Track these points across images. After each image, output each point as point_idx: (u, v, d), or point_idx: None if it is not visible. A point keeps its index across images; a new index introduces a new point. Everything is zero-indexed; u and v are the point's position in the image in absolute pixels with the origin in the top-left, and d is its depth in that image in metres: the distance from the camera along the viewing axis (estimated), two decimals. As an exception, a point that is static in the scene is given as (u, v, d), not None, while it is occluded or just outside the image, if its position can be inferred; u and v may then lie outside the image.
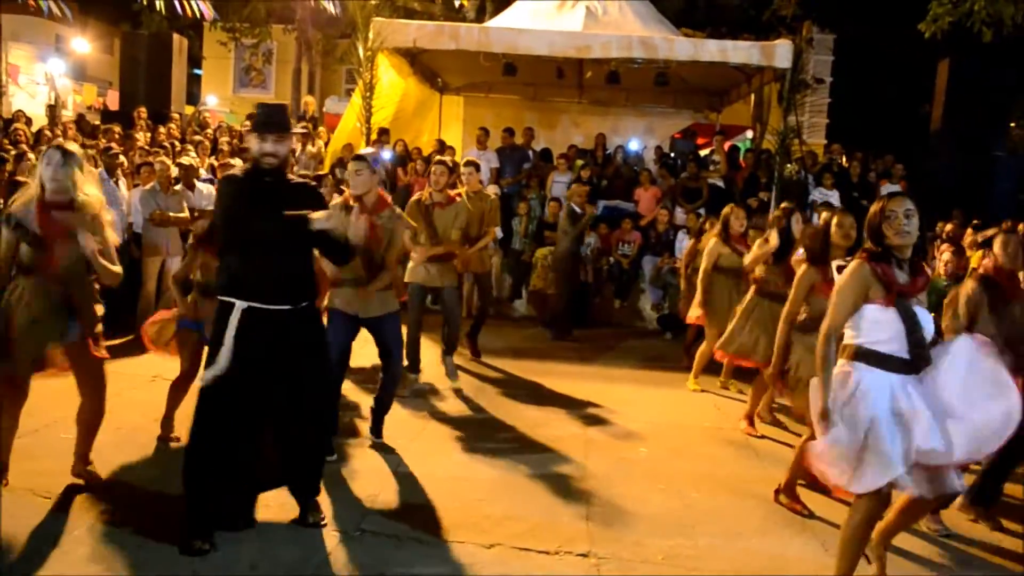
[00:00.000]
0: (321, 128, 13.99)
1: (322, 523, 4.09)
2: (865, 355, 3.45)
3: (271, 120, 3.90)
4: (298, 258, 3.91)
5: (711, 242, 7.20)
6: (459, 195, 6.92)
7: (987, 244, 4.64)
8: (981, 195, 11.05)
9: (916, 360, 3.39)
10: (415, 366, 6.81)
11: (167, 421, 5.14)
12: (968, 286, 4.59)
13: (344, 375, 5.39)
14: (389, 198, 5.35)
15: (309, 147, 12.13)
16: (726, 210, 7.20)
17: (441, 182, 6.67)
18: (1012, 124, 23.06)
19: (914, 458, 3.32)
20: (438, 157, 7.46)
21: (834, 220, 4.95)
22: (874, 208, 3.49)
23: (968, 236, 6.86)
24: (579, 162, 11.94)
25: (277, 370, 3.85)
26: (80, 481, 4.34)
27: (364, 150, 5.91)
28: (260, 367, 3.80)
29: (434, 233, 6.67)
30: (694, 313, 7.27)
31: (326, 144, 12.41)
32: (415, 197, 6.89)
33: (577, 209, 9.23)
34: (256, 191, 3.82)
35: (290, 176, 4.13)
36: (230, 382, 3.74)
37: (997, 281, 4.56)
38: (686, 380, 7.45)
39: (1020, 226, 7.43)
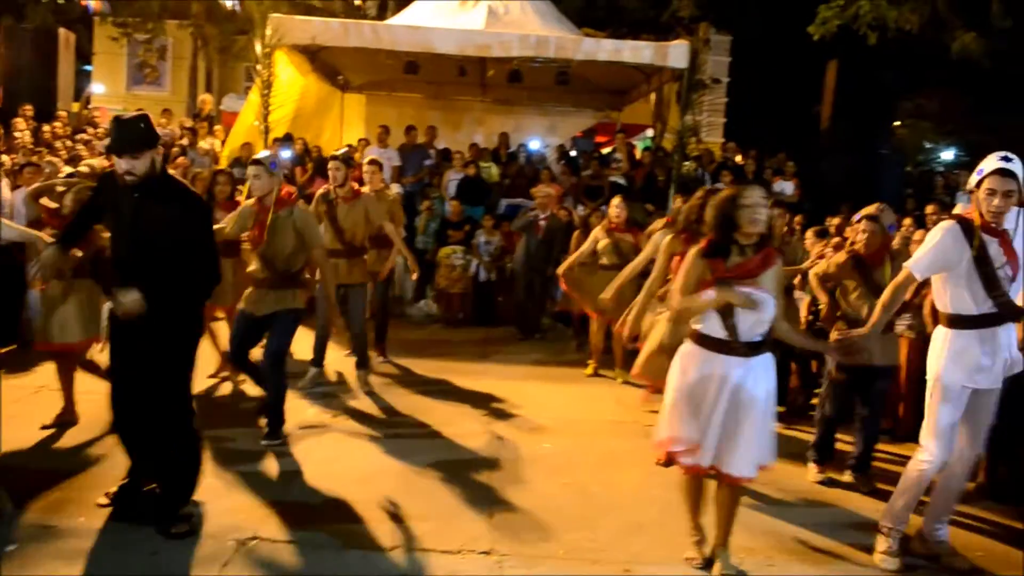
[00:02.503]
0: (218, 127, 13.64)
1: (184, 533, 3.93)
2: (695, 336, 3.72)
3: (122, 138, 3.78)
4: (160, 265, 3.85)
5: (595, 229, 7.55)
6: (362, 191, 6.86)
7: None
8: (868, 191, 11.47)
9: (735, 340, 3.58)
10: (319, 360, 6.80)
11: None
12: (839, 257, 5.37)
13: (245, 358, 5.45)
14: (293, 194, 5.33)
15: (202, 144, 11.82)
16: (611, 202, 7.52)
17: (339, 178, 6.62)
18: (897, 124, 24.13)
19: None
20: (332, 153, 7.39)
21: (711, 200, 5.16)
22: (726, 194, 3.64)
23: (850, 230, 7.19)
24: (484, 163, 11.99)
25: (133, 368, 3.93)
26: None
27: (262, 153, 5.87)
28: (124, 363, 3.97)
29: (339, 229, 6.63)
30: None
31: (223, 143, 12.11)
32: (320, 191, 6.82)
33: (531, 211, 9.43)
34: (126, 200, 3.86)
35: (169, 183, 3.98)
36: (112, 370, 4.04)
37: (862, 256, 5.16)
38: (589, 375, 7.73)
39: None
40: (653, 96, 12.84)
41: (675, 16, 17.07)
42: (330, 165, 6.72)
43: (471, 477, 4.98)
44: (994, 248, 3.81)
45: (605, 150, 13.82)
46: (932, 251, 3.90)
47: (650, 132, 14.26)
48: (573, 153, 13.56)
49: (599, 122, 15.72)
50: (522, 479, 5.01)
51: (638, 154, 13.11)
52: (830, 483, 5.27)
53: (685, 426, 3.68)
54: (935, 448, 3.97)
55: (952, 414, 3.94)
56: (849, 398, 5.34)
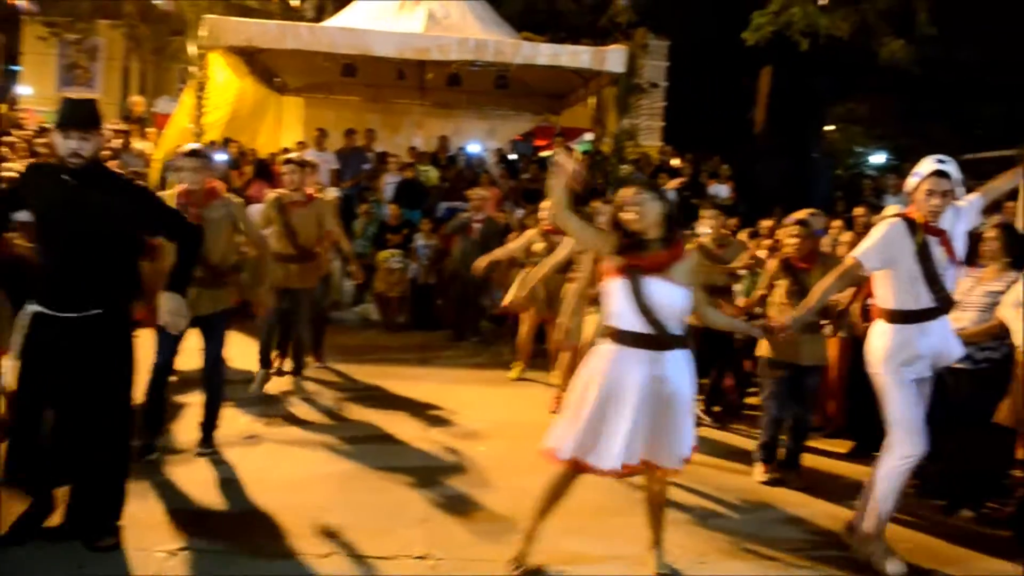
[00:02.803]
0: (151, 129, 13.34)
1: (112, 546, 3.80)
2: (614, 333, 3.68)
3: (75, 114, 3.64)
4: (100, 264, 3.70)
5: (529, 231, 7.54)
6: (316, 195, 6.79)
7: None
8: (801, 194, 11.71)
9: (657, 333, 3.58)
10: (267, 362, 6.75)
11: None
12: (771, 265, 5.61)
13: (167, 376, 5.22)
14: (222, 189, 5.25)
15: (136, 144, 11.56)
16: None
17: (295, 181, 6.53)
18: (829, 128, 24.71)
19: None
20: (286, 156, 7.32)
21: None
22: (614, 200, 3.73)
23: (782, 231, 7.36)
24: (423, 167, 11.97)
25: (65, 379, 3.68)
26: None
27: (194, 145, 5.77)
28: (47, 374, 3.68)
29: (292, 233, 6.55)
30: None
31: (156, 145, 11.85)
32: (273, 195, 6.73)
33: (464, 214, 9.42)
34: (62, 190, 3.63)
35: (109, 172, 3.89)
36: (25, 388, 3.69)
37: (792, 262, 5.35)
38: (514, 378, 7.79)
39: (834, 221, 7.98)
40: (592, 100, 12.95)
41: (613, 21, 17.22)
42: (285, 168, 6.65)
43: (406, 482, 4.96)
44: (936, 247, 3.98)
45: (544, 154, 13.89)
46: (879, 243, 4.05)
47: (589, 136, 14.38)
48: (513, 156, 13.60)
49: (538, 126, 15.78)
50: (458, 483, 5.00)
51: (577, 157, 13.19)
52: (770, 482, 5.35)
53: (591, 427, 3.62)
54: (907, 441, 4.03)
55: (912, 404, 4.04)
56: (787, 395, 5.47)
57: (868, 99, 23.97)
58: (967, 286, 4.93)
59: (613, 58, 10.51)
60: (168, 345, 5.03)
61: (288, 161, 6.75)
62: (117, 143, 11.31)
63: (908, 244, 3.98)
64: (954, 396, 4.85)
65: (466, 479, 5.09)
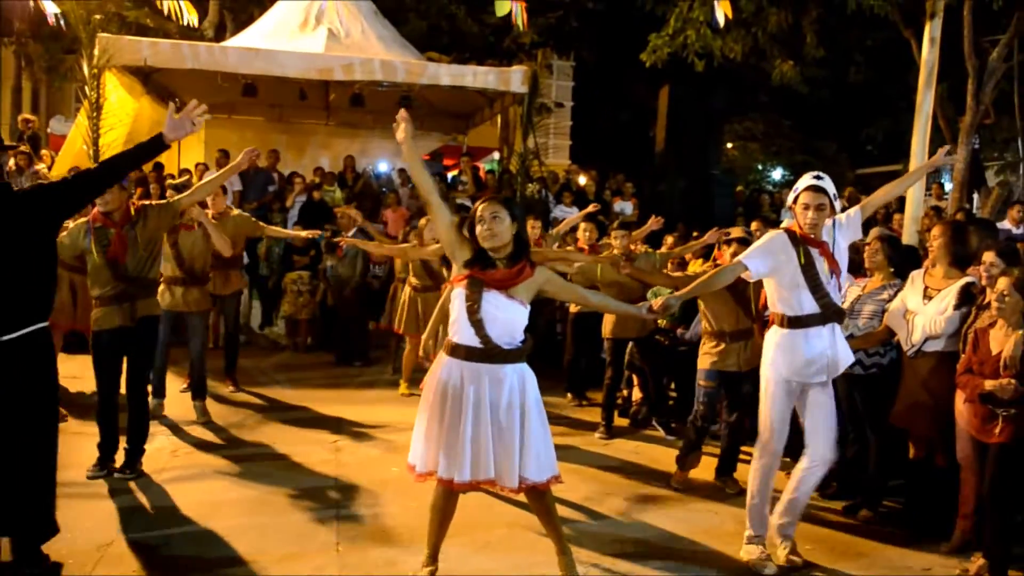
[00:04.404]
0: (45, 151, 12.88)
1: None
2: (450, 347, 3.72)
3: None
4: (16, 284, 3.56)
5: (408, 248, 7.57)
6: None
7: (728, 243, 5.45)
8: (703, 211, 12.01)
9: (488, 347, 3.62)
10: (160, 391, 6.63)
11: None
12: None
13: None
14: (135, 207, 5.19)
15: (41, 166, 11.12)
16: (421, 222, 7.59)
17: None
18: (729, 145, 25.52)
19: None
20: (171, 182, 7.22)
21: None
22: (472, 211, 3.76)
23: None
24: (328, 187, 11.88)
25: None
26: None
27: None
28: None
29: (179, 256, 6.49)
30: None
31: (50, 167, 11.44)
32: None
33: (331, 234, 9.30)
34: None
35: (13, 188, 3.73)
36: None
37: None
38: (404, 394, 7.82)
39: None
40: (499, 119, 13.10)
41: (517, 42, 17.43)
42: (171, 194, 6.54)
43: (318, 504, 4.92)
44: (818, 257, 4.16)
45: (452, 173, 13.95)
46: (760, 249, 4.24)
47: (496, 155, 14.52)
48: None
49: (446, 145, 15.86)
50: (371, 503, 4.98)
51: (484, 176, 13.31)
52: (688, 489, 5.49)
53: (443, 442, 3.62)
54: (770, 442, 4.26)
55: (783, 407, 4.24)
56: (717, 404, 5.63)
57: (764, 117, 24.90)
58: (853, 295, 5.18)
59: (516, 78, 10.66)
60: (115, 361, 5.04)
61: (174, 187, 6.71)
62: (18, 163, 10.84)
63: (791, 254, 4.16)
64: (847, 401, 5.08)
65: (378, 499, 5.06)
